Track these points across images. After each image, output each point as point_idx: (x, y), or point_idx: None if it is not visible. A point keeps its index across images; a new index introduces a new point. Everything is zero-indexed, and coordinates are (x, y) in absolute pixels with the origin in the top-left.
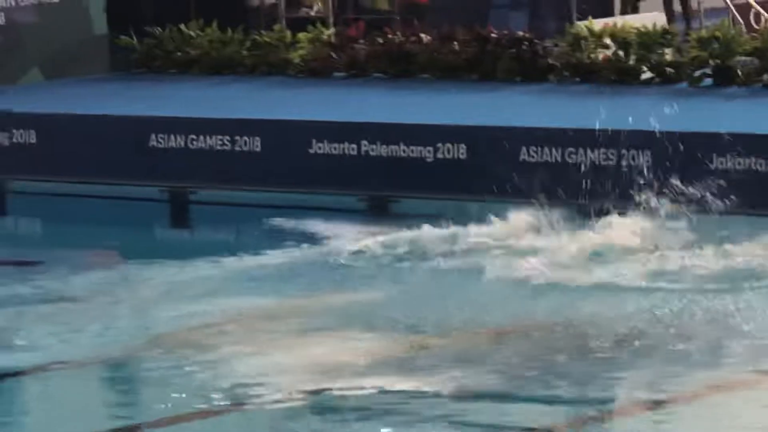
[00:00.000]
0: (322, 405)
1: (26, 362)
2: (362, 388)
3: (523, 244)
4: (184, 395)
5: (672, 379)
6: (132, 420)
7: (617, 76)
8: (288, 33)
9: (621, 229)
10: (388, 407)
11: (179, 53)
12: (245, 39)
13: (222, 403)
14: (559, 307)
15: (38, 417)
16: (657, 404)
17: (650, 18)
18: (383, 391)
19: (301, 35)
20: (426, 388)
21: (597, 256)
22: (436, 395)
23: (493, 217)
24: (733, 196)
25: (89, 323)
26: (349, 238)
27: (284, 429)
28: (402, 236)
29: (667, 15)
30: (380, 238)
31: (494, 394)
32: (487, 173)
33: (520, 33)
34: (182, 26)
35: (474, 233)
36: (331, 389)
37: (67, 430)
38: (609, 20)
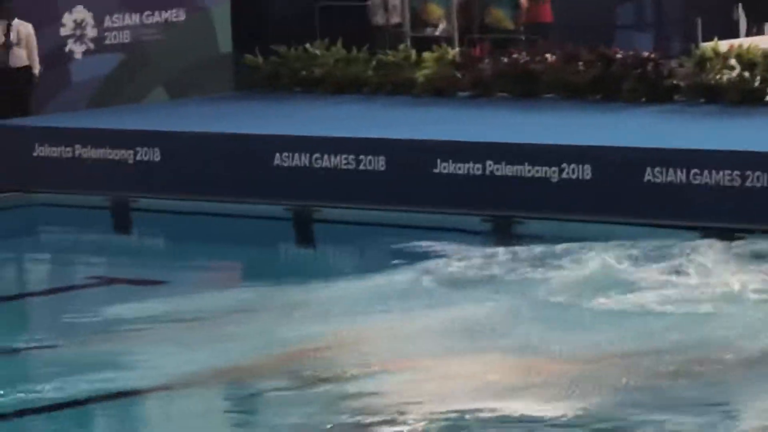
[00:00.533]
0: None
1: (147, 382)
2: (496, 410)
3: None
4: (310, 414)
5: None
6: None
7: (742, 97)
8: (413, 52)
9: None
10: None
11: (304, 72)
12: (370, 58)
13: (348, 421)
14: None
15: None
16: None
17: None
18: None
19: (426, 55)
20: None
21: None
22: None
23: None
24: None
25: (211, 343)
26: (471, 259)
27: None
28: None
29: None
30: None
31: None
32: (611, 194)
33: (645, 53)
34: (307, 45)
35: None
36: (466, 411)
37: None
38: (734, 41)
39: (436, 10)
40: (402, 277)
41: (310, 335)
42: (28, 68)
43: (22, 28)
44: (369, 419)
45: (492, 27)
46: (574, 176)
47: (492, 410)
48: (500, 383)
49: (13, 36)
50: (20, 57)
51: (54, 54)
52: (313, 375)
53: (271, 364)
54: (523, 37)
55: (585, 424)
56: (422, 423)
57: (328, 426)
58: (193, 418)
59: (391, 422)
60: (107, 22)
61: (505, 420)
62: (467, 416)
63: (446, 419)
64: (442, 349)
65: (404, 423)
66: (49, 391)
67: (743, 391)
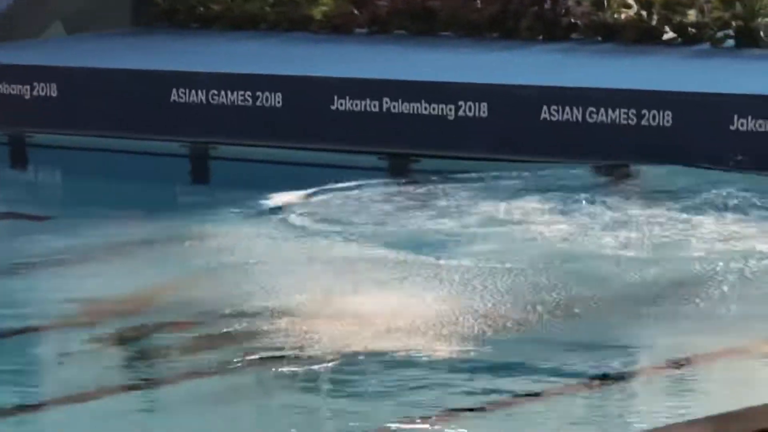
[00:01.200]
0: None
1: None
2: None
3: None
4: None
5: None
6: None
7: (639, 36)
8: None
9: None
10: None
11: (201, 8)
12: None
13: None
14: None
15: None
16: None
17: None
18: None
19: None
20: None
21: None
22: None
23: None
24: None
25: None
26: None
27: None
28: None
29: None
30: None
31: None
32: (508, 132)
33: None
34: None
35: None
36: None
37: None
38: None
39: None
40: (277, 215)
41: (187, 272)
42: None
43: None
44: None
45: None
46: (470, 114)
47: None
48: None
49: None
50: None
51: None
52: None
53: (144, 299)
54: None
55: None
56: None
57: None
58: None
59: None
60: None
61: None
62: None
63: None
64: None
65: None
66: None
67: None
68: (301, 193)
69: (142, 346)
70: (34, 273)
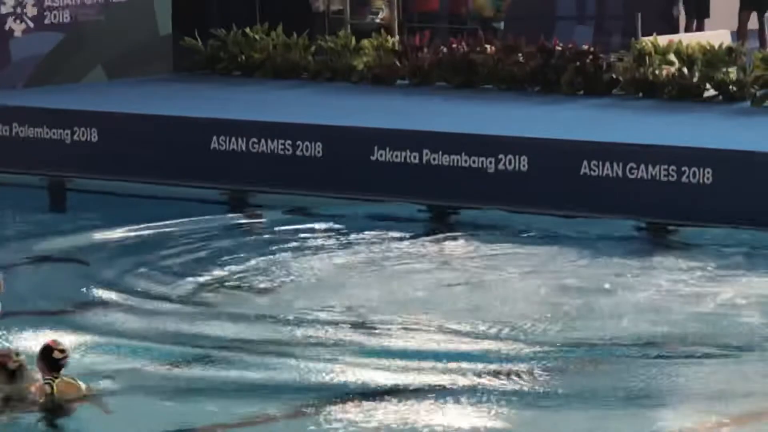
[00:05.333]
0: None
1: None
2: None
3: None
4: None
5: None
6: None
7: (680, 93)
8: (352, 39)
9: None
10: None
11: (243, 56)
12: (310, 44)
13: None
14: None
15: None
16: None
17: (715, 36)
18: None
19: (366, 42)
20: None
21: None
22: None
23: None
24: None
25: None
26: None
27: None
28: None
29: (740, 34)
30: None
31: None
32: (548, 186)
33: (585, 46)
34: (247, 29)
35: None
36: None
37: None
38: (674, 37)
39: None
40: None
41: None
42: None
43: None
44: None
45: (433, 16)
46: (510, 167)
47: None
48: None
49: None
50: None
51: None
52: None
53: None
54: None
55: None
56: None
57: None
58: None
59: None
60: (47, 1)
61: None
62: None
63: None
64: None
65: None
66: None
67: None
68: None
69: None
70: None
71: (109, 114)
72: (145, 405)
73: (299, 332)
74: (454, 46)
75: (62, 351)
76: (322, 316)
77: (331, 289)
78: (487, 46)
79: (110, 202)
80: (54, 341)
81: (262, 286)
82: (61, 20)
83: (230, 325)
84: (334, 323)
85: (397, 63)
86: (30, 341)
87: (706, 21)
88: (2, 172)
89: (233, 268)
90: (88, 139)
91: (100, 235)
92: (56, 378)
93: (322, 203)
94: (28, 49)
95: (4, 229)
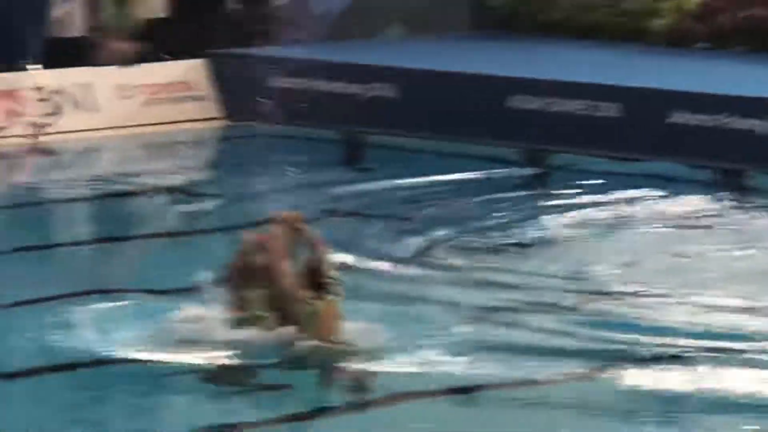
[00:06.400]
0: None
1: None
2: None
3: None
4: None
5: None
6: None
7: None
8: (652, 1)
9: None
10: None
11: (543, 15)
12: (610, 5)
13: None
14: None
15: None
16: None
17: None
18: None
19: (665, 4)
20: None
21: None
22: None
23: None
24: None
25: None
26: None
27: None
28: None
29: None
30: None
31: None
32: None
33: None
34: None
35: None
36: None
37: None
38: None
39: None
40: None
41: None
42: None
43: None
44: None
45: None
46: None
47: None
48: None
49: None
50: None
51: None
52: None
53: None
54: None
55: None
56: None
57: None
58: None
59: None
60: None
61: None
62: None
63: None
64: None
65: None
66: None
67: None
68: None
69: None
70: None
71: (406, 70)
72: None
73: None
74: (756, 9)
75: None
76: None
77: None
78: None
79: (405, 158)
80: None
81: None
82: None
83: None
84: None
85: (695, 26)
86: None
87: None
88: (299, 125)
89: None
90: (386, 94)
91: (401, 188)
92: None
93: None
94: (327, 4)
95: (302, 182)
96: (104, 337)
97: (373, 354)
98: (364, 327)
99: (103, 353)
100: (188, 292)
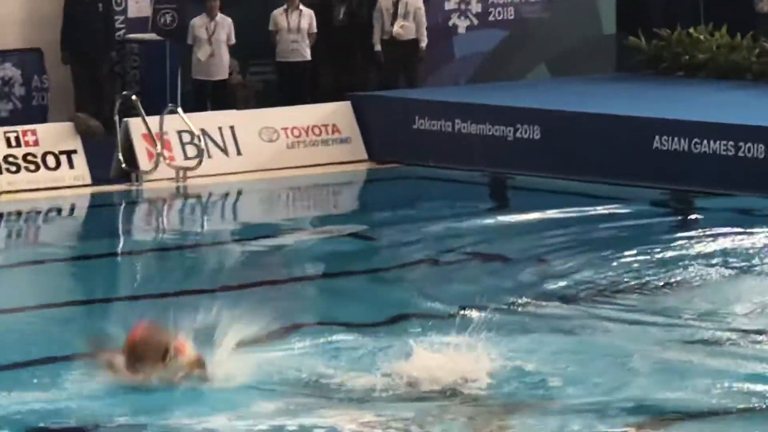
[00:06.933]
0: None
1: None
2: None
3: None
4: None
5: None
6: None
7: None
8: None
9: None
10: None
11: (687, 56)
12: (754, 45)
13: None
14: None
15: None
16: None
17: None
18: None
19: None
20: None
21: None
22: None
23: None
24: None
25: None
26: None
27: None
28: None
29: None
30: None
31: None
32: None
33: None
34: (691, 30)
35: None
36: None
37: None
38: None
39: None
40: None
41: None
42: (415, 41)
43: (412, 1)
44: None
45: None
46: None
47: None
48: None
49: (401, 9)
50: (409, 30)
51: (438, 28)
52: None
53: None
54: None
55: None
56: None
57: None
58: None
59: None
60: None
61: None
62: None
63: None
64: None
65: None
66: None
67: None
68: None
69: None
70: None
71: (551, 112)
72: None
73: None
74: None
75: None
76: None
77: None
78: None
79: (550, 199)
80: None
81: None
82: (505, 17)
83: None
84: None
85: None
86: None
87: None
88: (444, 167)
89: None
90: (531, 136)
91: (543, 229)
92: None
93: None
94: (471, 46)
95: (447, 223)
96: None
97: None
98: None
99: None
100: None
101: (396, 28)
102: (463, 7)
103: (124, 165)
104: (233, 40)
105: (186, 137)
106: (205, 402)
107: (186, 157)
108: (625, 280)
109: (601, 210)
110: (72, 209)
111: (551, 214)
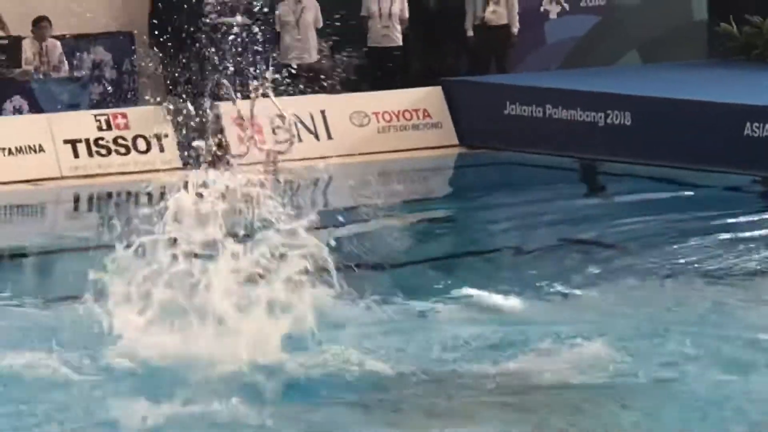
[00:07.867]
0: None
1: None
2: None
3: None
4: None
5: None
6: None
7: None
8: None
9: None
10: None
11: None
12: None
13: None
14: None
15: None
16: None
17: None
18: None
19: None
20: None
21: None
22: None
23: None
24: None
25: None
26: None
27: None
28: None
29: None
30: None
31: None
32: None
33: None
34: None
35: None
36: None
37: None
38: None
39: None
40: None
41: None
42: (507, 27)
43: None
44: None
45: None
46: None
47: None
48: None
49: None
50: (501, 15)
51: (530, 14)
52: None
53: None
54: None
55: None
56: None
57: None
58: None
59: None
60: None
61: None
62: None
63: None
64: None
65: None
66: None
67: None
68: None
69: None
70: None
71: (643, 98)
72: None
73: None
74: None
75: None
76: None
77: None
78: None
79: (642, 185)
80: None
81: None
82: (597, 3)
83: None
84: None
85: None
86: None
87: None
88: (534, 152)
89: None
90: (622, 122)
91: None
92: None
93: None
94: (563, 32)
95: (542, 211)
96: None
97: None
98: None
99: None
100: None
101: (488, 14)
102: None
103: (215, 149)
104: (321, 23)
105: (276, 121)
106: None
107: (276, 142)
108: (728, 264)
109: (690, 195)
110: None
111: (640, 200)
